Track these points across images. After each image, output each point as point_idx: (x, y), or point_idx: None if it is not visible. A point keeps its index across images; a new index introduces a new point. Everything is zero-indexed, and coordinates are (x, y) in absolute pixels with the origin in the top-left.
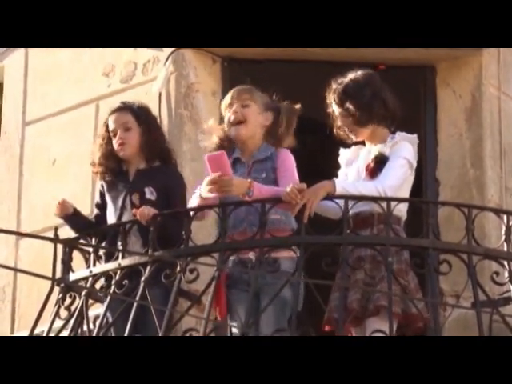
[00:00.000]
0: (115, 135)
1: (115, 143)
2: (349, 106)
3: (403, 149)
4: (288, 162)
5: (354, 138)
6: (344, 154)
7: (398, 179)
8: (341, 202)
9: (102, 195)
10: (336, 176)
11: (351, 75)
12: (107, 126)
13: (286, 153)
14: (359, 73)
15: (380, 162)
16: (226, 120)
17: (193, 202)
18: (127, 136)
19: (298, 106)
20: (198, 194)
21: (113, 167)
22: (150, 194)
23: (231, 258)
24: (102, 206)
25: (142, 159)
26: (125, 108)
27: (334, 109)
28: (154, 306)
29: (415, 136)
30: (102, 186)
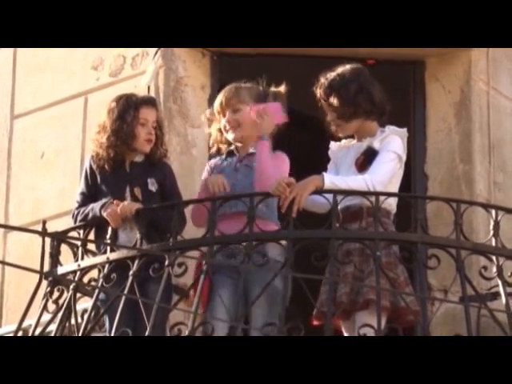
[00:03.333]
0: (142, 126)
1: (144, 136)
2: (333, 100)
3: (393, 143)
4: (283, 168)
5: (340, 133)
6: (334, 147)
7: (387, 174)
8: (329, 196)
9: (91, 184)
10: (326, 169)
11: (339, 70)
12: (138, 108)
13: (282, 157)
14: (347, 67)
15: (369, 155)
16: (221, 125)
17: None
18: (153, 133)
19: (282, 89)
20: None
21: (116, 157)
22: (151, 185)
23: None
24: (90, 195)
25: (139, 153)
26: (155, 105)
27: (322, 104)
28: (142, 299)
29: (405, 130)
30: (92, 174)
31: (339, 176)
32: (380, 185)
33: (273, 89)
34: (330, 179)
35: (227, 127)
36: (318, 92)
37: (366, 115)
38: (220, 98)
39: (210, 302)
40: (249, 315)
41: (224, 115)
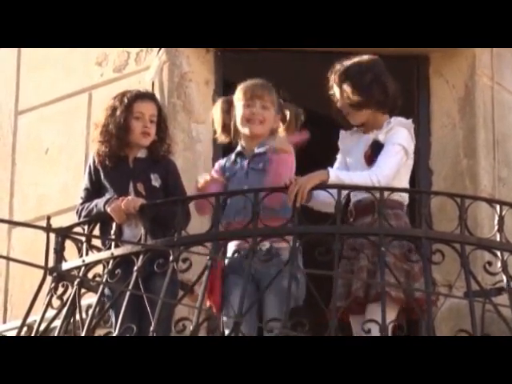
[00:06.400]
0: (137, 119)
1: (140, 129)
2: (347, 87)
3: (397, 135)
4: (288, 160)
5: (350, 122)
6: (343, 138)
7: (392, 167)
8: (334, 191)
9: (95, 180)
10: (332, 166)
11: (355, 59)
12: (131, 102)
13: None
14: (364, 57)
15: (375, 149)
16: (239, 113)
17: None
18: (152, 127)
19: (302, 111)
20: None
21: (116, 152)
22: (154, 180)
23: (233, 247)
24: (94, 191)
25: (141, 148)
26: (154, 100)
27: (335, 90)
28: (147, 295)
29: (410, 121)
30: (96, 170)
31: (344, 171)
32: (385, 179)
33: (293, 107)
34: (335, 173)
35: (251, 118)
36: (332, 77)
37: (378, 106)
38: (252, 86)
39: (225, 302)
40: (263, 319)
41: (247, 105)
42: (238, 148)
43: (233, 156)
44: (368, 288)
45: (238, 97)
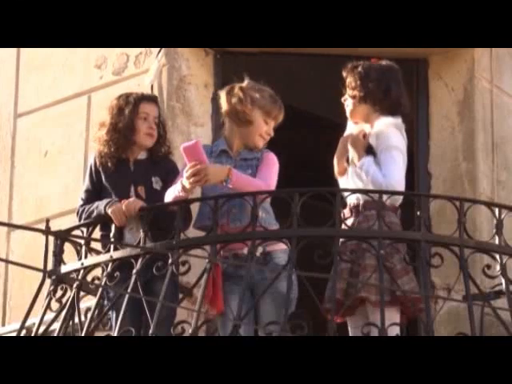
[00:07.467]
0: (143, 120)
1: (145, 130)
2: (352, 80)
3: (391, 138)
4: (272, 163)
5: (351, 118)
6: (349, 129)
7: (399, 173)
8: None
9: (96, 182)
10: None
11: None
12: (137, 102)
13: (273, 156)
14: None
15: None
16: (258, 123)
17: (169, 194)
18: (154, 128)
19: None
20: (178, 187)
21: (120, 152)
22: (155, 183)
23: (225, 253)
24: (95, 192)
25: (142, 150)
26: (156, 102)
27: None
28: (146, 298)
29: (399, 120)
30: (97, 172)
31: (375, 167)
32: (399, 185)
33: None
34: (369, 162)
35: (264, 137)
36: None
37: (375, 103)
38: (279, 108)
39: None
40: (259, 324)
41: (266, 122)
42: (222, 146)
43: (215, 155)
44: (347, 291)
45: (264, 109)
